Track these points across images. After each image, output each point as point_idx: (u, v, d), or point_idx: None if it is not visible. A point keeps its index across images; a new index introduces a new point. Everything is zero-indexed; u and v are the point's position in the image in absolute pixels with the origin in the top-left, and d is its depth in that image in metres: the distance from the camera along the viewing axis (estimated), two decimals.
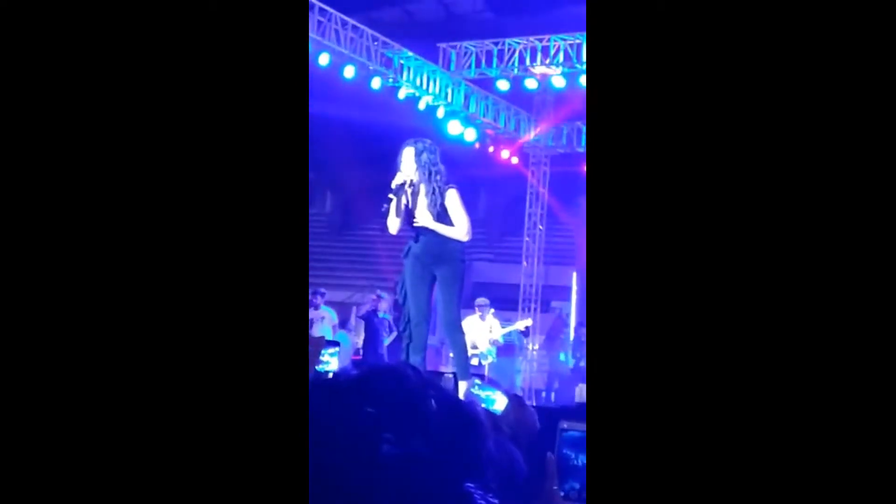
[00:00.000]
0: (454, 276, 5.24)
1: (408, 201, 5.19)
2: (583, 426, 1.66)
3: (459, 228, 5.18)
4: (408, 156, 5.14)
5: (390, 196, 5.17)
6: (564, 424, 1.66)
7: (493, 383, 4.94)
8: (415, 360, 5.16)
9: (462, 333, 5.39)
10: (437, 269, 5.23)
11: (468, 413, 1.84)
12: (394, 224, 5.24)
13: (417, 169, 5.13)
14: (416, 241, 5.26)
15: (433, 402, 1.43)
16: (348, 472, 1.27)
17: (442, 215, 5.25)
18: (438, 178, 5.15)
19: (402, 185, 5.14)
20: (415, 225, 5.21)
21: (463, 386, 5.23)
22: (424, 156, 5.14)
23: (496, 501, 1.95)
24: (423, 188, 5.15)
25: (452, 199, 5.14)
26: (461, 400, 2.00)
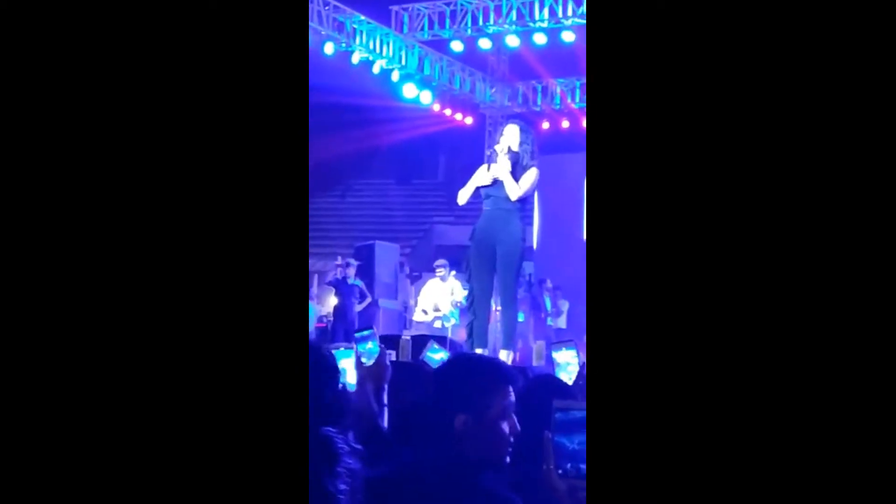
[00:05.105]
0: (512, 252, 5.65)
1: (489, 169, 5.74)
2: (575, 405, 1.68)
3: (516, 188, 5.63)
4: (512, 132, 5.77)
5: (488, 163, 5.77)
6: (558, 404, 1.68)
7: (448, 344, 5.04)
8: (479, 335, 5.63)
9: (514, 309, 5.88)
10: (497, 246, 5.65)
11: (318, 359, 1.93)
12: (464, 198, 5.85)
13: (520, 144, 5.69)
14: (482, 220, 5.78)
15: None
16: None
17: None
18: (528, 155, 5.72)
19: (494, 153, 5.72)
20: (490, 173, 5.71)
21: (503, 354, 5.59)
22: (525, 134, 5.79)
23: (359, 447, 2.02)
24: (512, 160, 5.70)
25: (529, 174, 5.66)
26: (319, 351, 2.07)
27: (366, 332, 2.72)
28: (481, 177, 5.80)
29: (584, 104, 16.79)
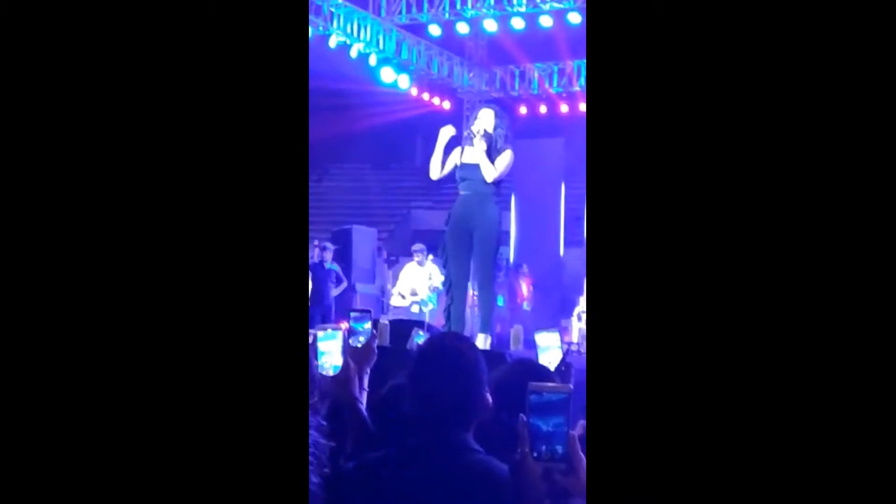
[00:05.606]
0: (489, 235, 5.67)
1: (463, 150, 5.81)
2: (550, 387, 1.67)
3: (492, 169, 5.66)
4: (487, 115, 5.80)
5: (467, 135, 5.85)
6: (533, 387, 1.68)
7: (426, 328, 5.07)
8: (457, 318, 5.64)
9: (492, 292, 5.91)
10: (474, 230, 5.66)
11: None
12: (437, 171, 5.86)
13: (495, 127, 5.72)
14: (457, 205, 5.78)
15: None
16: None
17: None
18: (503, 138, 5.75)
19: (470, 135, 5.75)
20: (464, 160, 5.77)
21: (481, 338, 5.56)
22: (500, 118, 5.82)
23: (325, 423, 2.04)
24: (487, 142, 5.72)
25: (504, 156, 5.68)
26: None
27: (365, 313, 2.71)
28: (454, 157, 5.81)
29: (561, 89, 16.84)
